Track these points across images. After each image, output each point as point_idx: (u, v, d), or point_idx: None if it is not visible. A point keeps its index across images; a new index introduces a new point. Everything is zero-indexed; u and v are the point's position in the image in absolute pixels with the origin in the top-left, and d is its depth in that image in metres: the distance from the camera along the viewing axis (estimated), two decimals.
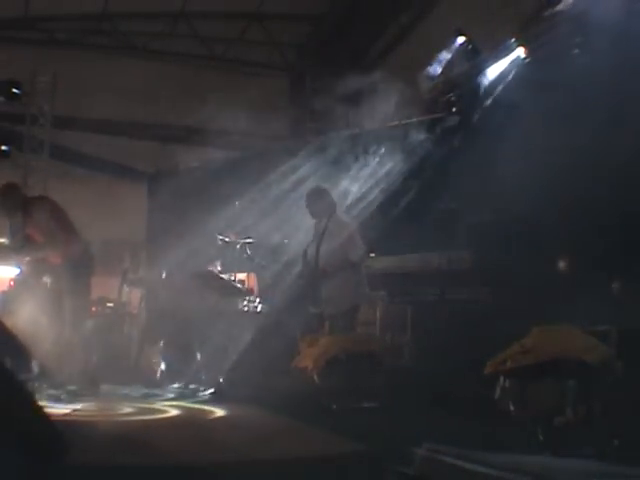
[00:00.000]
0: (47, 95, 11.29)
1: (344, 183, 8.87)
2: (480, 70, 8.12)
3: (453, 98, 8.45)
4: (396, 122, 9.05)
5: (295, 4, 11.63)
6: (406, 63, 9.76)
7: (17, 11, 10.85)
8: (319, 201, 6.97)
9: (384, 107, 8.98)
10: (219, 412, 5.73)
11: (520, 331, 4.44)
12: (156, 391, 7.20)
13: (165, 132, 12.11)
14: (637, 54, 5.79)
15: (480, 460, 2.24)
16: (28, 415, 2.47)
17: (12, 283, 8.50)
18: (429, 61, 8.50)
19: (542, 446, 3.79)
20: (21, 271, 8.41)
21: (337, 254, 6.69)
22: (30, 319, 6.65)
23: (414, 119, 8.94)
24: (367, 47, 11.76)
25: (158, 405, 6.28)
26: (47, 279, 7.40)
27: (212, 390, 6.86)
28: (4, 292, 8.39)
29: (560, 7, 6.90)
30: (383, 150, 9.08)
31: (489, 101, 8.04)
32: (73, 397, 6.22)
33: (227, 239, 8.02)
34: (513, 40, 7.69)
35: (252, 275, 8.55)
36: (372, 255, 7.56)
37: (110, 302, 9.41)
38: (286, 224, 8.62)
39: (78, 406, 5.77)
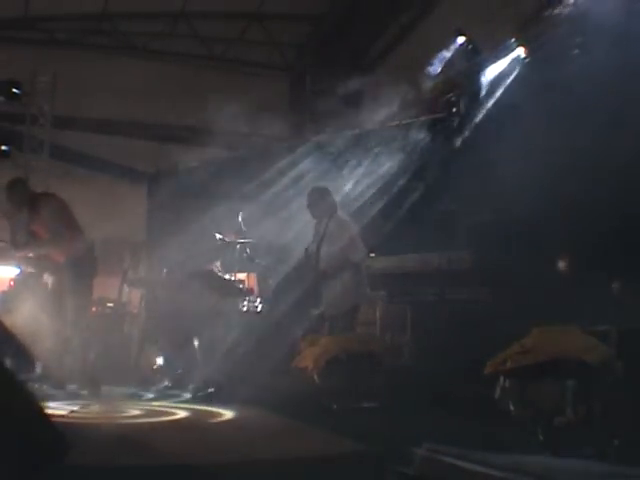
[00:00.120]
0: (47, 95, 11.28)
1: (344, 183, 8.88)
2: (480, 70, 8.12)
3: (453, 98, 8.45)
4: (396, 122, 9.05)
5: (295, 4, 11.63)
6: (406, 63, 9.76)
7: (17, 11, 10.85)
8: (320, 201, 6.97)
9: (384, 107, 8.99)
10: (219, 412, 5.73)
11: (520, 331, 4.44)
12: (156, 391, 7.20)
13: (165, 132, 12.10)
14: (637, 55, 5.79)
15: (480, 460, 2.24)
16: (28, 415, 2.47)
17: (12, 283, 8.50)
18: (429, 61, 8.50)
19: (542, 446, 3.79)
20: (21, 271, 8.42)
21: (338, 254, 6.70)
22: (30, 319, 6.65)
23: (414, 119, 8.94)
24: (367, 47, 11.76)
25: (158, 405, 6.28)
26: (48, 278, 7.40)
27: (212, 390, 6.86)
28: (4, 292, 8.39)
29: (560, 8, 6.90)
30: (383, 150, 9.08)
31: (489, 101, 8.04)
32: (73, 397, 6.23)
33: (227, 239, 8.02)
34: (513, 40, 7.69)
35: (252, 275, 8.55)
36: (372, 255, 7.56)
37: (110, 302, 9.40)
38: (286, 224, 8.62)
39: (78, 406, 5.77)
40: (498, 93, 7.95)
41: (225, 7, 11.60)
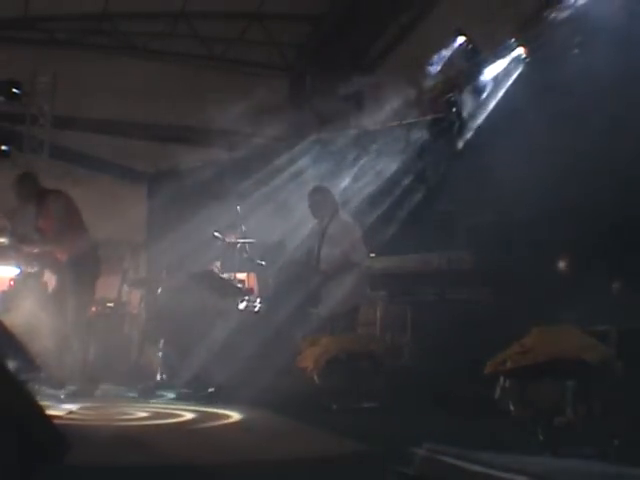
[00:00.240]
0: (47, 95, 11.28)
1: (344, 183, 8.88)
2: (480, 70, 8.12)
3: (453, 98, 8.45)
4: (396, 122, 9.05)
5: (295, 4, 11.62)
6: (406, 63, 9.76)
7: (17, 11, 10.83)
8: (321, 200, 6.98)
9: (384, 107, 8.99)
10: (219, 413, 5.73)
11: (520, 331, 4.44)
12: (156, 391, 7.20)
13: (165, 132, 12.09)
14: (638, 56, 5.78)
15: (480, 460, 2.24)
16: (28, 415, 2.47)
17: (12, 283, 8.50)
18: (429, 61, 8.50)
19: (542, 446, 3.79)
20: (21, 271, 8.42)
21: (339, 255, 6.70)
22: (30, 319, 6.65)
23: (414, 119, 8.94)
24: (367, 47, 11.74)
25: (158, 405, 6.28)
26: (50, 278, 7.41)
27: (212, 390, 6.85)
28: (4, 292, 8.39)
29: (560, 9, 6.90)
30: (383, 150, 9.08)
31: (489, 102, 8.04)
32: (73, 397, 6.22)
33: (227, 239, 8.02)
34: (513, 40, 7.69)
35: (252, 275, 8.55)
36: (372, 255, 7.56)
37: (110, 302, 9.41)
38: (286, 223, 8.62)
39: (78, 406, 5.77)
40: (498, 93, 7.95)
41: (225, 7, 11.58)
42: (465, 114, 8.28)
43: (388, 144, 9.02)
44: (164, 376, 7.60)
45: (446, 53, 8.34)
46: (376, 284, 7.21)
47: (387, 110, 8.97)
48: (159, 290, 8.62)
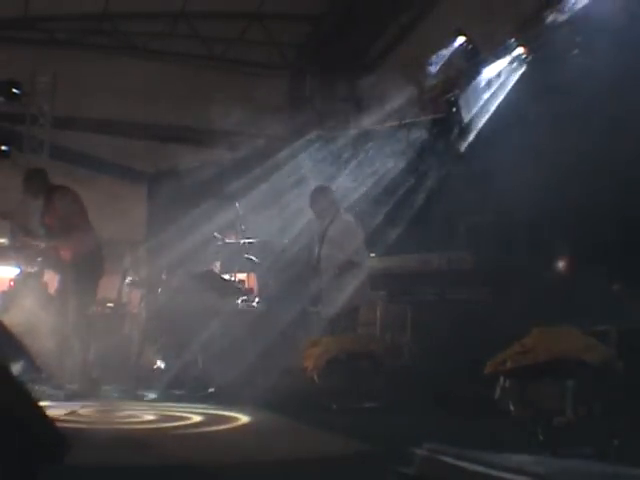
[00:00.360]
0: (47, 95, 11.28)
1: (344, 182, 8.88)
2: (480, 70, 8.13)
3: (453, 98, 8.46)
4: (396, 122, 9.05)
5: (295, 4, 11.62)
6: (406, 63, 9.76)
7: (17, 11, 10.83)
8: (323, 200, 6.99)
9: (384, 107, 8.99)
10: (219, 413, 5.73)
11: (520, 331, 4.44)
12: (156, 391, 7.20)
13: (165, 132, 12.09)
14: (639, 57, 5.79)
15: (480, 460, 2.24)
16: (28, 415, 2.47)
17: (12, 283, 8.51)
18: (429, 61, 8.51)
19: (542, 446, 3.79)
20: (21, 271, 8.43)
21: (339, 254, 6.70)
22: (30, 319, 6.65)
23: (414, 119, 8.94)
24: (367, 47, 11.75)
25: (158, 405, 6.28)
26: (48, 278, 7.40)
27: (212, 390, 6.86)
28: (4, 292, 8.39)
29: (560, 10, 6.90)
30: (383, 150, 9.08)
31: (488, 102, 8.04)
32: (73, 397, 6.22)
33: (227, 239, 8.02)
34: (513, 40, 7.70)
35: (252, 275, 8.55)
36: (372, 255, 7.57)
37: (110, 302, 9.40)
38: (286, 223, 8.63)
39: (78, 406, 5.77)
40: (498, 93, 7.95)
41: (225, 7, 11.58)
42: (465, 114, 8.28)
43: (388, 144, 9.02)
44: (164, 376, 7.60)
45: (446, 53, 8.34)
46: (376, 284, 7.21)
47: (387, 110, 8.97)
48: (159, 290, 8.63)
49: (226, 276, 8.03)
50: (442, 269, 7.30)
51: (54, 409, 5.20)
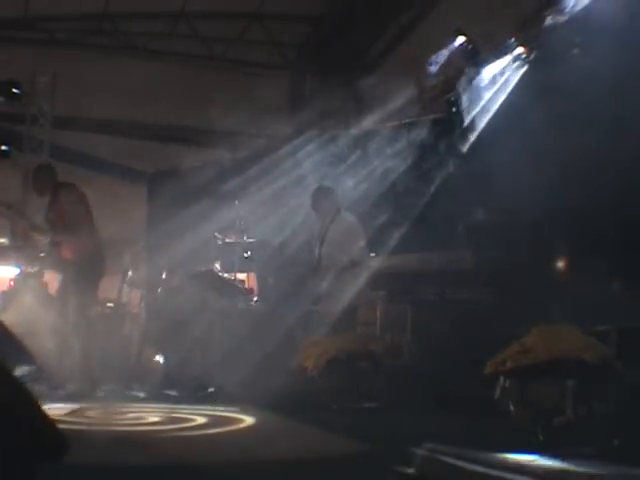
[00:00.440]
0: (47, 95, 11.28)
1: (344, 182, 8.88)
2: (480, 70, 8.12)
3: (453, 98, 8.46)
4: (396, 122, 9.05)
5: (295, 4, 11.62)
6: (406, 63, 9.76)
7: (17, 11, 10.83)
8: (324, 199, 7.01)
9: (384, 107, 8.99)
10: (219, 412, 5.73)
11: (520, 331, 4.44)
12: (156, 391, 7.20)
13: (165, 132, 12.09)
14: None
15: (480, 460, 2.24)
16: (28, 415, 2.47)
17: (12, 283, 8.51)
18: (429, 61, 8.51)
19: (542, 446, 3.79)
20: (21, 271, 8.43)
21: (339, 254, 6.70)
22: (30, 319, 6.65)
23: (414, 119, 8.94)
24: (367, 47, 11.75)
25: (158, 405, 6.28)
26: (48, 278, 7.40)
27: (212, 390, 6.85)
28: (4, 292, 8.40)
29: (560, 10, 6.90)
30: (383, 150, 9.08)
31: (488, 102, 8.04)
32: (73, 397, 6.22)
33: (227, 239, 8.02)
34: (513, 40, 7.69)
35: (252, 275, 8.55)
36: (372, 255, 7.56)
37: (110, 302, 9.41)
38: (286, 223, 8.63)
39: (78, 406, 5.77)
40: (498, 93, 7.95)
41: (225, 7, 11.58)
42: (465, 114, 8.28)
43: (388, 144, 9.02)
44: (164, 376, 7.60)
45: (446, 53, 8.34)
46: (376, 284, 7.20)
47: (387, 110, 8.97)
48: (159, 290, 8.62)
49: (226, 276, 8.02)
50: (442, 269, 7.29)
51: (54, 409, 5.20)
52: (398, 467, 2.41)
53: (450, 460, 2.29)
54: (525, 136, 6.62)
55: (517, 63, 7.74)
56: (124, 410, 5.81)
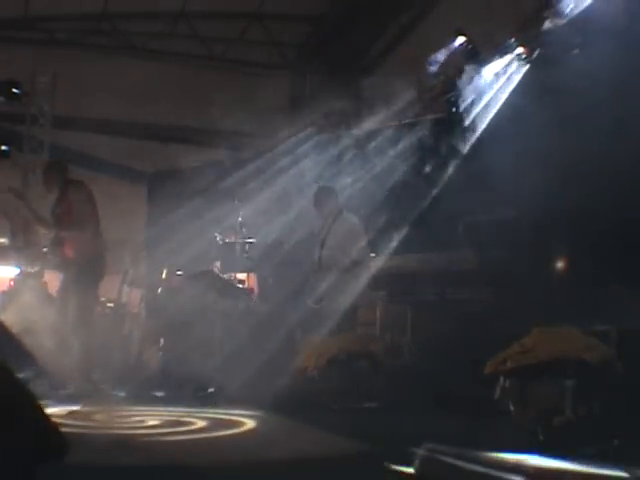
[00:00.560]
0: (47, 95, 11.29)
1: (344, 182, 8.88)
2: (480, 70, 8.13)
3: (453, 98, 8.46)
4: (396, 122, 9.05)
5: (295, 4, 11.62)
6: (406, 63, 9.76)
7: (17, 11, 10.83)
8: (327, 199, 7.02)
9: (384, 107, 8.99)
10: (219, 412, 5.73)
11: (520, 331, 4.44)
12: (156, 391, 7.19)
13: (165, 132, 12.10)
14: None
15: (480, 460, 2.24)
16: (28, 415, 2.47)
17: (12, 283, 8.51)
18: (429, 61, 8.51)
19: (542, 446, 3.79)
20: (21, 271, 8.43)
21: (340, 254, 6.71)
22: (30, 319, 6.65)
23: (414, 119, 8.94)
24: (367, 47, 11.75)
25: (158, 405, 6.28)
26: (48, 278, 7.40)
27: (211, 390, 6.85)
28: (4, 292, 8.40)
29: (560, 11, 6.90)
30: (383, 150, 9.08)
31: (488, 102, 8.04)
32: (73, 397, 6.22)
33: (227, 239, 8.02)
34: (513, 40, 7.70)
35: (252, 275, 8.55)
36: (372, 255, 7.56)
37: (110, 302, 9.41)
38: (286, 223, 8.63)
39: (78, 406, 5.77)
40: (498, 93, 7.95)
41: (225, 7, 11.58)
42: (465, 114, 8.28)
43: (388, 144, 9.02)
44: (164, 376, 7.60)
45: (446, 53, 8.34)
46: (376, 284, 7.20)
47: (387, 110, 8.97)
48: (159, 290, 8.62)
49: (226, 276, 8.02)
50: (442, 269, 7.29)
51: (54, 409, 5.20)
52: (398, 467, 2.41)
53: (450, 460, 2.30)
54: (525, 136, 6.62)
55: (517, 63, 7.74)
56: (123, 410, 5.80)
